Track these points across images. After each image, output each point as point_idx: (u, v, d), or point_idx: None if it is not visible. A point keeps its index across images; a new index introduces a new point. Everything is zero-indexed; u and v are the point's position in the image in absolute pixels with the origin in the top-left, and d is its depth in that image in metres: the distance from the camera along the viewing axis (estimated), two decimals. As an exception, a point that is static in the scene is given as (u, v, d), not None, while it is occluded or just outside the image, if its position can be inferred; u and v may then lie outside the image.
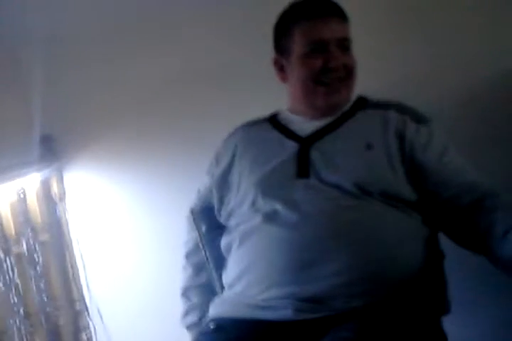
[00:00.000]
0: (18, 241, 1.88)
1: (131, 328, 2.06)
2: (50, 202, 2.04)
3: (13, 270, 1.91)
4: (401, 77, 1.61)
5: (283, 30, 1.30)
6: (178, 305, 1.56)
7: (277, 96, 1.38)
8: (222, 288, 1.34)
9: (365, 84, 1.33)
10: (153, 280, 1.99)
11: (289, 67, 1.30)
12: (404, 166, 1.21)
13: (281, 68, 1.33)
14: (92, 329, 2.12)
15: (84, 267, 2.09)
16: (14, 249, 1.88)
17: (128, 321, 2.06)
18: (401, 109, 1.28)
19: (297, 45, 1.27)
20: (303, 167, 1.24)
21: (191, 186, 1.51)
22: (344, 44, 1.26)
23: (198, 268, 1.44)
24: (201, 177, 1.46)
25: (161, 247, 1.93)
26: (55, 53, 1.87)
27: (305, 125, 1.31)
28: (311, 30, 1.25)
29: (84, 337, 2.12)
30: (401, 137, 1.22)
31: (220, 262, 1.36)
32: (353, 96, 1.34)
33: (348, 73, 1.27)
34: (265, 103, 1.47)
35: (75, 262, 2.09)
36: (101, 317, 2.10)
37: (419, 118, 1.26)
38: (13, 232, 1.85)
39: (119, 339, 2.09)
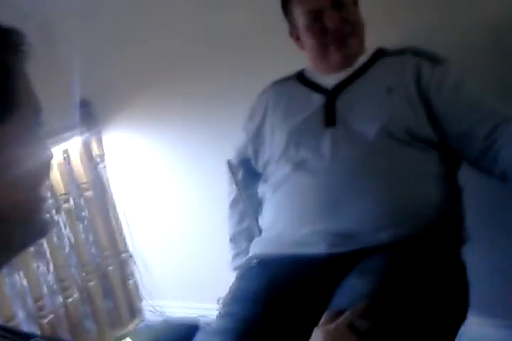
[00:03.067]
0: (66, 199, 2.01)
1: (174, 274, 2.19)
2: (92, 162, 2.15)
3: (64, 224, 2.05)
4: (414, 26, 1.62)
5: (284, 7, 1.39)
6: (217, 252, 1.67)
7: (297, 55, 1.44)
8: (261, 231, 1.45)
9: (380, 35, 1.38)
10: (190, 228, 2.10)
11: (301, 37, 1.38)
12: (424, 106, 1.26)
13: (297, 38, 1.40)
14: (138, 276, 2.28)
15: (127, 220, 2.22)
16: (64, 206, 2.01)
17: (171, 267, 2.19)
18: (416, 52, 1.33)
19: (298, 18, 1.35)
20: (330, 116, 1.31)
21: (227, 140, 1.58)
22: (339, 2, 1.31)
23: (242, 216, 1.52)
24: (236, 131, 1.53)
25: (199, 198, 2.03)
26: (90, 21, 1.92)
27: (328, 78, 1.38)
28: (304, 3, 1.32)
29: (131, 282, 2.28)
30: (417, 78, 1.28)
31: (258, 208, 1.46)
32: (368, 48, 1.39)
33: (352, 27, 1.32)
34: (287, 62, 1.53)
35: (118, 216, 2.22)
36: (145, 264, 2.24)
37: (434, 59, 1.31)
38: (62, 191, 1.98)
39: (163, 284, 2.24)
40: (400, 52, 1.36)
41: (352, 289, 1.09)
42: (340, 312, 0.90)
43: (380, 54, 1.39)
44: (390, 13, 1.58)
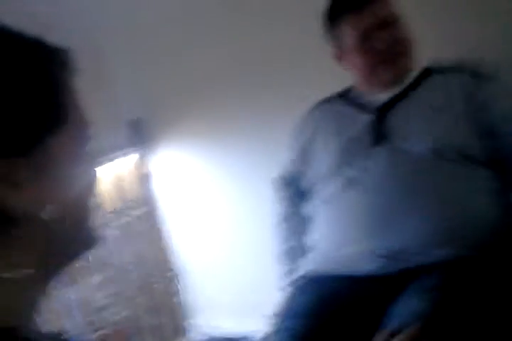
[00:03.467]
0: (116, 216, 2.05)
1: (220, 292, 2.19)
2: (142, 180, 2.20)
3: (113, 241, 2.08)
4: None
5: (329, 27, 1.37)
6: (264, 270, 1.66)
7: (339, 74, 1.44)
8: (306, 249, 1.44)
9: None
10: (237, 246, 2.10)
11: (346, 56, 1.37)
12: (472, 124, 1.25)
13: (340, 58, 1.39)
14: (183, 294, 2.28)
15: (174, 237, 2.24)
16: (113, 223, 2.05)
17: (217, 285, 2.19)
18: (464, 69, 1.32)
19: (345, 38, 1.34)
20: (378, 136, 1.31)
21: (275, 158, 1.59)
22: (387, 21, 1.30)
23: (290, 233, 1.52)
24: (283, 149, 1.54)
25: (247, 216, 2.03)
26: (140, 40, 1.98)
27: (375, 97, 1.37)
28: (356, 23, 1.31)
29: (176, 300, 2.28)
30: (466, 96, 1.26)
31: (305, 226, 1.45)
32: (416, 65, 1.37)
33: (401, 45, 1.31)
34: (332, 82, 1.54)
35: (167, 233, 2.25)
36: (191, 282, 2.25)
37: (482, 75, 1.29)
38: (112, 208, 2.02)
39: (209, 302, 2.24)
40: (449, 70, 1.35)
41: (407, 308, 1.06)
42: (394, 333, 0.88)
43: (428, 72, 1.37)
44: (443, 26, 1.57)
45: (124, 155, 2.09)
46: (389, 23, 1.31)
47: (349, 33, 1.32)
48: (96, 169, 0.53)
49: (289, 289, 1.35)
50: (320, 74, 1.71)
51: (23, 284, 0.47)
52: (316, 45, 1.50)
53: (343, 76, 1.44)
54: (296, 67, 1.80)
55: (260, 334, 1.25)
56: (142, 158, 2.17)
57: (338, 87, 1.51)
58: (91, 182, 0.52)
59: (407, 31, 1.34)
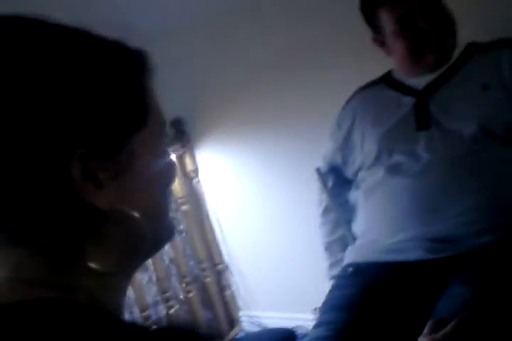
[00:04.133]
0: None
1: (270, 284, 2.21)
2: (187, 178, 2.24)
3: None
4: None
5: (368, 12, 1.33)
6: (312, 262, 1.66)
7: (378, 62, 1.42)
8: (354, 238, 1.43)
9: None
10: (283, 239, 2.11)
11: (388, 43, 1.33)
12: None
13: (381, 44, 1.35)
14: (234, 286, 2.32)
15: (222, 232, 2.28)
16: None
17: (266, 278, 2.21)
18: (509, 44, 1.25)
19: (386, 23, 1.29)
20: (423, 119, 1.27)
21: (316, 150, 1.58)
22: (429, 2, 1.25)
23: (335, 224, 1.50)
24: (324, 140, 1.53)
25: (291, 209, 2.04)
26: (180, 40, 2.00)
27: (418, 79, 1.33)
28: (394, 8, 1.26)
29: (228, 292, 2.32)
30: None
31: (349, 215, 1.44)
32: (461, 42, 1.32)
33: (445, 25, 1.26)
34: (369, 69, 1.51)
35: (214, 228, 2.29)
36: (240, 275, 2.28)
37: None
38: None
39: (259, 294, 2.27)
40: (494, 46, 1.28)
41: (457, 297, 1.04)
42: (445, 321, 0.86)
43: (472, 49, 1.32)
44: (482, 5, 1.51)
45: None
46: (428, 5, 1.26)
47: (389, 17, 1.28)
48: (174, 161, 0.55)
49: (334, 280, 1.34)
50: (358, 63, 1.69)
51: (118, 276, 0.49)
52: (354, 35, 1.49)
53: (382, 62, 1.41)
54: (333, 59, 1.77)
55: (309, 327, 1.25)
56: (186, 155, 2.21)
57: (377, 74, 1.48)
58: (171, 177, 0.53)
59: (449, 11, 1.28)
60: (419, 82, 1.33)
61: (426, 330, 0.85)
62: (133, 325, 0.44)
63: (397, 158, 1.27)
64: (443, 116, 1.25)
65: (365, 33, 1.38)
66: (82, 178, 0.43)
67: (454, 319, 0.85)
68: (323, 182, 1.53)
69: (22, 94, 0.41)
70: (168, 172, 0.53)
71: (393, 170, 1.27)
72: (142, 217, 0.47)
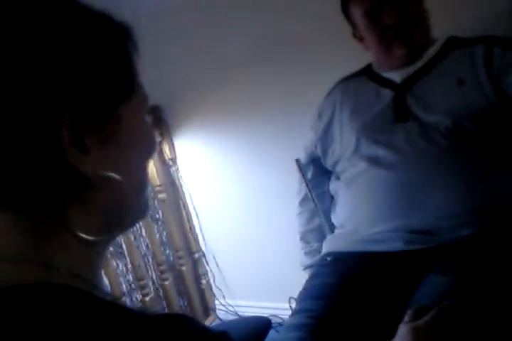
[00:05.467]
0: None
1: (246, 273, 2.21)
2: (165, 166, 2.21)
3: (140, 225, 2.11)
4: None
5: (344, 9, 1.35)
6: (288, 251, 1.66)
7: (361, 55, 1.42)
8: (332, 229, 1.43)
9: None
10: (260, 228, 2.10)
11: (362, 36, 1.34)
12: (497, 93, 1.20)
13: (360, 39, 1.37)
14: (210, 275, 2.31)
15: (199, 220, 2.26)
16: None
17: (242, 267, 2.21)
18: (489, 41, 1.26)
19: (357, 19, 1.31)
20: (401, 111, 1.27)
21: (295, 140, 1.57)
22: None
23: (312, 214, 1.51)
24: (304, 130, 1.52)
25: (269, 198, 2.02)
26: (159, 27, 1.94)
27: (397, 73, 1.34)
28: (361, 3, 1.28)
29: (203, 281, 2.31)
30: (488, 66, 1.21)
31: (328, 205, 1.44)
32: (435, 36, 1.33)
33: (414, 20, 1.27)
34: (352, 62, 1.50)
35: (191, 217, 2.27)
36: (217, 264, 2.27)
37: (507, 43, 1.24)
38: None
39: (235, 283, 2.26)
40: (471, 42, 1.29)
41: (435, 287, 1.05)
42: (424, 309, 0.87)
43: (450, 44, 1.33)
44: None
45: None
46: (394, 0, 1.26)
47: (357, 12, 1.30)
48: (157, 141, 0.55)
49: (312, 269, 1.34)
50: (339, 55, 1.68)
51: (97, 247, 0.49)
52: (334, 28, 1.47)
53: (362, 55, 1.41)
54: (315, 47, 1.76)
55: (285, 316, 1.24)
56: (164, 144, 2.17)
57: (359, 66, 1.48)
58: (153, 150, 0.54)
59: (421, 5, 1.29)
60: (398, 75, 1.33)
61: (406, 318, 0.86)
62: (130, 312, 0.43)
63: (377, 149, 1.27)
64: (420, 109, 1.25)
65: (345, 25, 1.38)
66: (70, 142, 0.43)
67: (434, 307, 0.86)
68: (302, 173, 1.53)
69: (12, 57, 0.41)
70: (150, 145, 0.53)
71: (373, 161, 1.27)
72: (127, 183, 0.47)
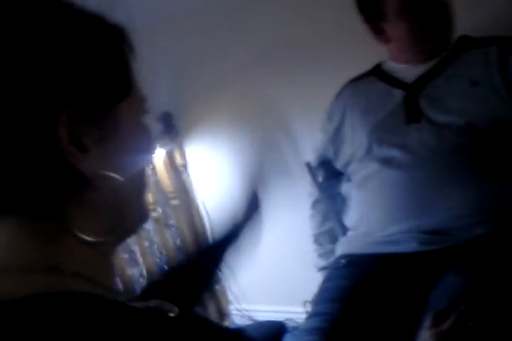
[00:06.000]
0: (154, 208, 2.07)
1: (259, 278, 2.19)
2: (176, 172, 2.21)
3: (154, 232, 2.11)
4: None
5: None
6: (303, 255, 1.65)
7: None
8: (344, 231, 1.42)
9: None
10: (272, 231, 2.08)
11: (389, 27, 1.31)
12: (509, 96, 1.19)
13: (379, 32, 1.34)
14: (225, 281, 2.30)
15: (211, 226, 2.26)
16: (152, 215, 2.07)
17: (256, 272, 2.20)
18: (503, 42, 1.25)
19: (391, 6, 1.28)
20: (412, 113, 1.26)
21: (306, 143, 1.57)
22: None
23: (324, 216, 1.50)
24: (314, 134, 1.51)
25: (281, 201, 2.00)
26: (170, 34, 1.96)
27: (409, 72, 1.32)
28: None
29: (219, 287, 2.31)
30: (503, 69, 1.21)
31: (340, 207, 1.43)
32: (454, 36, 1.32)
33: (445, 14, 1.26)
34: (360, 63, 1.49)
35: (204, 222, 2.27)
36: (231, 269, 2.27)
37: None
38: (150, 200, 2.04)
39: (249, 288, 2.25)
40: (484, 43, 1.28)
41: (451, 288, 1.04)
42: (443, 313, 0.86)
43: (462, 44, 1.31)
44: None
45: (157, 148, 2.11)
46: None
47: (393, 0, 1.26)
48: (155, 142, 0.55)
49: (326, 272, 1.33)
50: (348, 57, 1.67)
51: (103, 248, 0.49)
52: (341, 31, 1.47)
53: (371, 57, 1.41)
54: (324, 53, 1.75)
55: (300, 320, 1.24)
56: (175, 150, 2.18)
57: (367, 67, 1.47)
58: (150, 152, 0.54)
59: (449, 2, 1.28)
60: (410, 74, 1.32)
61: (427, 323, 0.85)
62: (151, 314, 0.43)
63: (389, 150, 1.26)
64: (432, 110, 1.24)
65: (352, 27, 1.37)
66: (69, 141, 0.43)
67: (453, 311, 0.85)
68: (313, 176, 1.53)
69: (10, 57, 0.42)
70: (147, 145, 0.53)
71: (386, 162, 1.26)
72: (125, 183, 0.47)
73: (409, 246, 1.18)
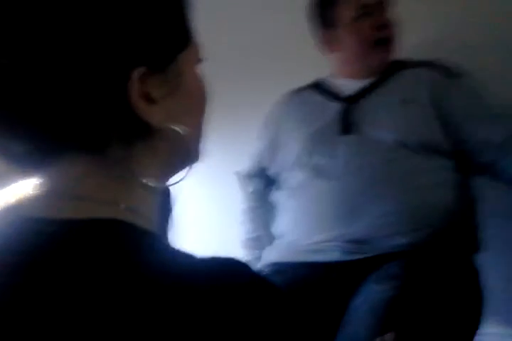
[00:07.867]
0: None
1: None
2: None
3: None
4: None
5: (327, 3, 1.35)
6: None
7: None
8: (271, 240, 1.42)
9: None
10: (207, 239, 2.06)
11: (338, 36, 1.34)
12: (438, 116, 1.25)
13: (329, 41, 1.37)
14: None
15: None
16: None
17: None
18: (433, 66, 1.32)
19: (343, 13, 1.31)
20: (347, 124, 1.29)
21: (240, 151, 1.57)
22: (382, 5, 1.31)
23: (254, 224, 1.50)
24: (251, 141, 1.52)
25: (212, 211, 2.00)
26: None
27: (347, 87, 1.36)
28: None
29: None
30: (431, 89, 1.27)
31: (270, 216, 1.43)
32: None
33: (391, 30, 1.31)
34: (297, 76, 1.52)
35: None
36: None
37: (450, 73, 1.30)
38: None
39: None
40: (415, 65, 1.35)
41: (371, 295, 1.06)
42: None
43: (398, 65, 1.37)
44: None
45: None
46: (383, 7, 1.31)
47: (353, 6, 1.30)
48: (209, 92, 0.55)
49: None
50: (289, 69, 1.69)
51: (154, 190, 0.50)
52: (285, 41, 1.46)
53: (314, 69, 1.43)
54: (265, 64, 1.76)
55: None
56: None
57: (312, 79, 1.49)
58: (207, 102, 0.55)
59: (395, 18, 1.33)
60: (347, 89, 1.36)
61: None
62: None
63: (319, 160, 1.28)
64: (364, 124, 1.28)
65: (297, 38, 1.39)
66: (138, 95, 0.45)
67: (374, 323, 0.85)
68: (244, 185, 1.53)
69: (95, 15, 0.43)
70: (205, 97, 0.55)
71: (316, 172, 1.28)
72: (187, 135, 0.50)
73: (333, 256, 1.19)
